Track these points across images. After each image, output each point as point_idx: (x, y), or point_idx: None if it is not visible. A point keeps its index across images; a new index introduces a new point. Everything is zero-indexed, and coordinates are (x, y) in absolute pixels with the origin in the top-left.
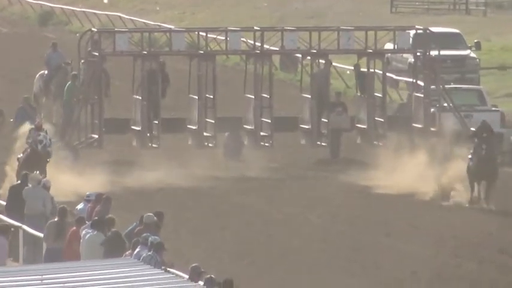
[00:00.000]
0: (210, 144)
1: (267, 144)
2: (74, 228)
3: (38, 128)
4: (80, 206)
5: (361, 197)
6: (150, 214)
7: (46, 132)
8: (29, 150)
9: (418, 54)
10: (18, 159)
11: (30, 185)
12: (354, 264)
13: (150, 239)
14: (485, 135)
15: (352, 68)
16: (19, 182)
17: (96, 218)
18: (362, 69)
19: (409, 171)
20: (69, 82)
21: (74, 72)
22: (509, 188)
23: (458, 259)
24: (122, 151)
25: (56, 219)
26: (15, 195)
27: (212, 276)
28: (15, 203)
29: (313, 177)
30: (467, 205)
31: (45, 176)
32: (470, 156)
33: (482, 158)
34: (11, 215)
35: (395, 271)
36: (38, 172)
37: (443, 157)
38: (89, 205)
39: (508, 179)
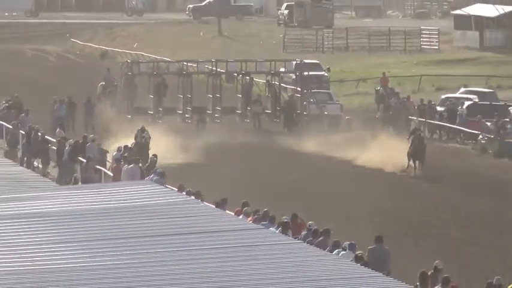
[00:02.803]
0: (188, 121)
1: (218, 121)
2: (115, 165)
3: (142, 130)
4: (114, 153)
5: (275, 151)
6: (152, 156)
7: (147, 132)
8: (138, 146)
9: (297, 74)
10: (129, 147)
11: (89, 142)
12: (267, 190)
13: (158, 170)
14: (418, 133)
15: (265, 81)
16: (81, 141)
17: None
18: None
19: (303, 137)
20: (113, 88)
21: (115, 83)
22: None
23: (330, 184)
24: (145, 124)
25: (85, 162)
26: (77, 148)
27: (190, 189)
28: (77, 153)
29: (244, 139)
30: (408, 173)
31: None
32: (409, 145)
33: (416, 147)
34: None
35: (286, 190)
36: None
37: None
38: (121, 152)
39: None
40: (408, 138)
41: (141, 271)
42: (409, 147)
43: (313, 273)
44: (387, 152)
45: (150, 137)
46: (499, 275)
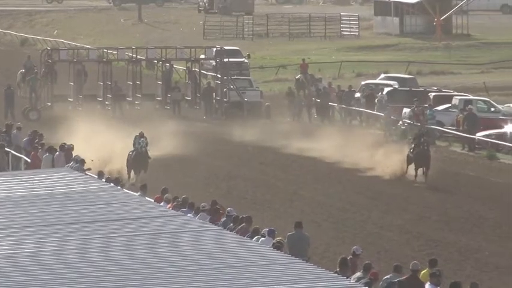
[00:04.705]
0: (108, 108)
1: (138, 108)
2: (33, 152)
3: (141, 136)
4: (25, 139)
5: (195, 138)
6: (69, 144)
7: (145, 138)
8: (135, 152)
9: (218, 60)
10: (129, 155)
11: (15, 131)
12: (187, 176)
13: (77, 157)
14: (423, 138)
15: (185, 68)
16: (4, 129)
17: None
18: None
19: (224, 122)
20: (33, 75)
21: (35, 70)
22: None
23: (251, 171)
24: (65, 111)
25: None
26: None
27: (109, 176)
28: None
29: (163, 123)
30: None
31: (146, 171)
32: (411, 149)
33: (420, 153)
34: None
35: (207, 176)
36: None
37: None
38: (31, 137)
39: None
40: (412, 142)
41: (60, 258)
42: (411, 151)
43: (232, 259)
44: (309, 138)
45: (147, 143)
46: (417, 261)
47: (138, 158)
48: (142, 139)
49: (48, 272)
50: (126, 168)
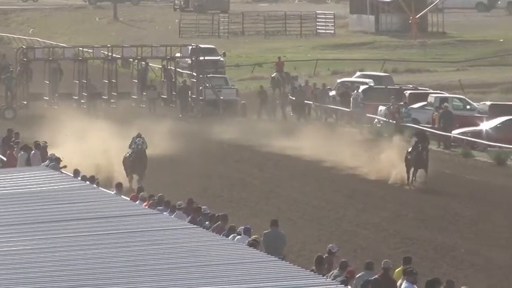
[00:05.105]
0: (84, 106)
1: (114, 106)
2: (9, 151)
3: (138, 136)
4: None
5: (173, 136)
6: (43, 142)
7: (142, 138)
8: (133, 154)
9: (193, 58)
10: (124, 157)
11: None
12: (164, 175)
13: (52, 156)
14: (423, 140)
15: (160, 66)
16: None
17: (24, 144)
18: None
19: (200, 120)
20: (8, 74)
21: (11, 69)
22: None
23: (227, 169)
24: (41, 110)
25: None
26: None
27: (85, 174)
28: None
29: (141, 120)
30: (407, 187)
31: (144, 171)
32: (409, 150)
33: (419, 154)
34: None
35: (183, 175)
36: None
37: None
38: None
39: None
40: (412, 143)
41: (38, 257)
42: (409, 153)
43: (207, 258)
44: (285, 136)
45: (143, 143)
46: (393, 258)
47: (137, 158)
48: (138, 138)
49: (24, 271)
50: (124, 170)
